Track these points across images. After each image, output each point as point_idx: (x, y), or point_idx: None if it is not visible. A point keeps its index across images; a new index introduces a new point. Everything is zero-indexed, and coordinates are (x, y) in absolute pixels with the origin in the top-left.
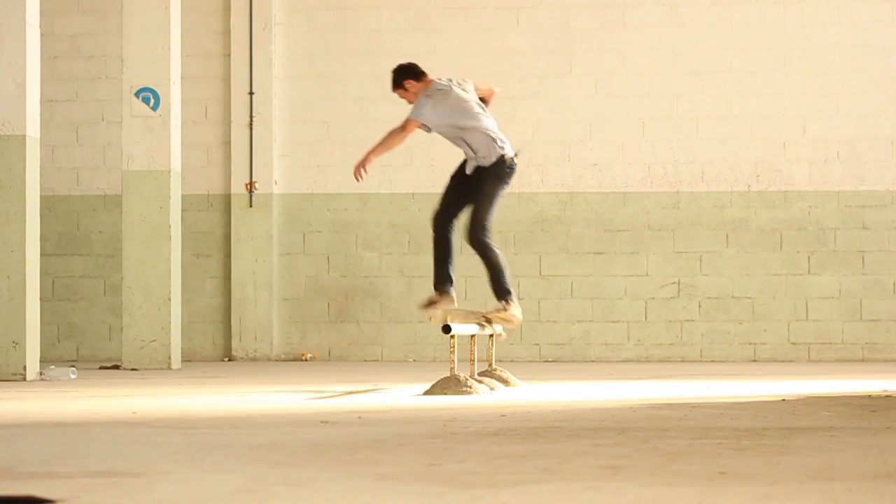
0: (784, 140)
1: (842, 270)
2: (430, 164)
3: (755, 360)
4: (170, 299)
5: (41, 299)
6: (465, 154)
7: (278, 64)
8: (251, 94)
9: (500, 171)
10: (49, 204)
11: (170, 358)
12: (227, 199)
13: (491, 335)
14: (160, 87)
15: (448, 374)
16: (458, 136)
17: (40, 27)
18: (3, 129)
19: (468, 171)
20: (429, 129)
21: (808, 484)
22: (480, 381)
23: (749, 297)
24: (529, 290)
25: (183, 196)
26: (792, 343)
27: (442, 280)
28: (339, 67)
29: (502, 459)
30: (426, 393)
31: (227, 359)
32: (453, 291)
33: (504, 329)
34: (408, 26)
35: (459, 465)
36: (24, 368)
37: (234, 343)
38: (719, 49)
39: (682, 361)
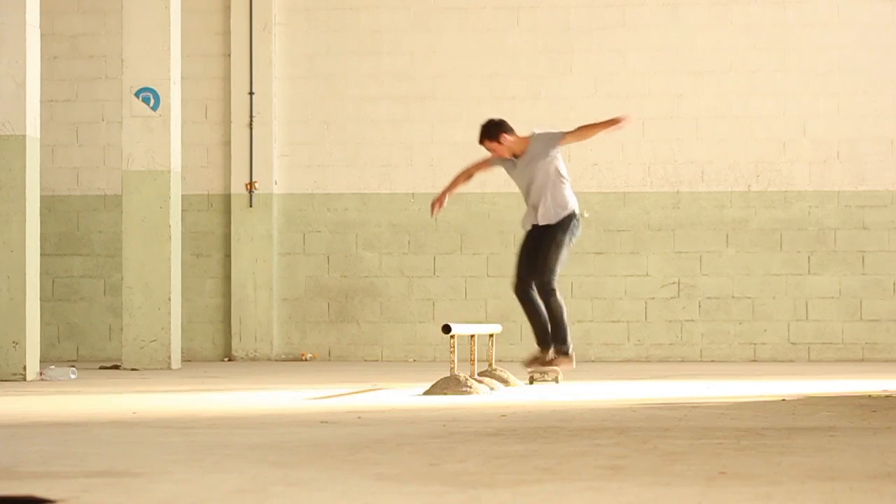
0: (784, 140)
1: (842, 270)
2: (430, 164)
3: (755, 360)
4: (170, 299)
5: (41, 299)
6: (538, 205)
7: (278, 64)
8: (251, 94)
9: (569, 224)
10: (49, 204)
11: (170, 358)
12: (227, 199)
13: (491, 335)
14: (160, 87)
15: (448, 374)
16: (550, 172)
17: (40, 27)
18: (3, 129)
19: (540, 222)
20: (513, 166)
21: (808, 484)
22: (480, 381)
23: (749, 297)
24: None
25: (183, 196)
26: (792, 343)
27: (545, 342)
28: (339, 67)
29: (502, 459)
30: (426, 393)
31: (227, 359)
32: (553, 351)
33: (550, 375)
34: (408, 26)
35: (459, 465)
36: (24, 368)
37: (234, 343)
38: (719, 49)
39: (682, 361)
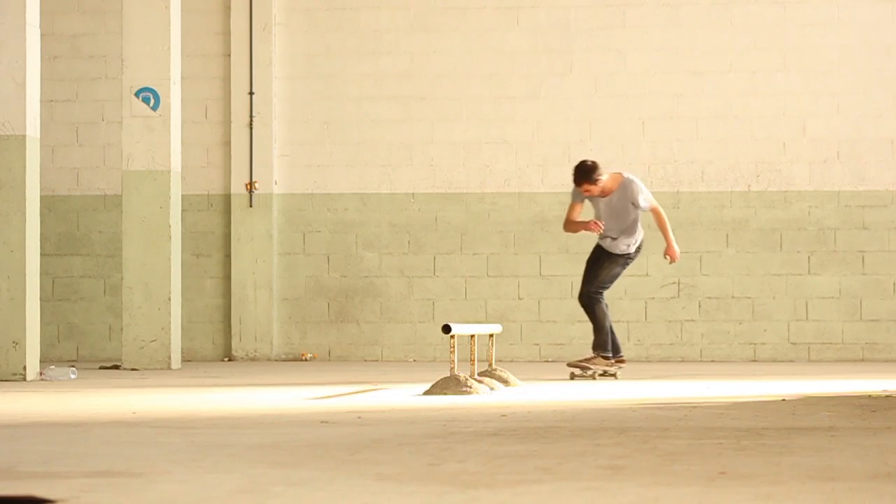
0: (784, 140)
1: (842, 270)
2: (430, 164)
3: (755, 360)
4: (170, 299)
5: (41, 299)
6: (608, 236)
7: (278, 64)
8: (251, 94)
9: (625, 259)
10: (49, 204)
11: (170, 358)
12: (227, 199)
13: (491, 335)
14: (160, 87)
15: (448, 374)
16: (627, 220)
17: (40, 27)
18: (3, 129)
19: (606, 248)
20: (598, 201)
21: (808, 484)
22: (480, 381)
23: (749, 297)
24: (529, 290)
25: (183, 196)
26: (792, 343)
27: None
28: (339, 67)
29: (502, 459)
30: (426, 393)
31: (227, 359)
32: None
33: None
34: (408, 26)
35: (459, 465)
36: (24, 368)
37: (234, 343)
38: (719, 49)
39: (682, 361)
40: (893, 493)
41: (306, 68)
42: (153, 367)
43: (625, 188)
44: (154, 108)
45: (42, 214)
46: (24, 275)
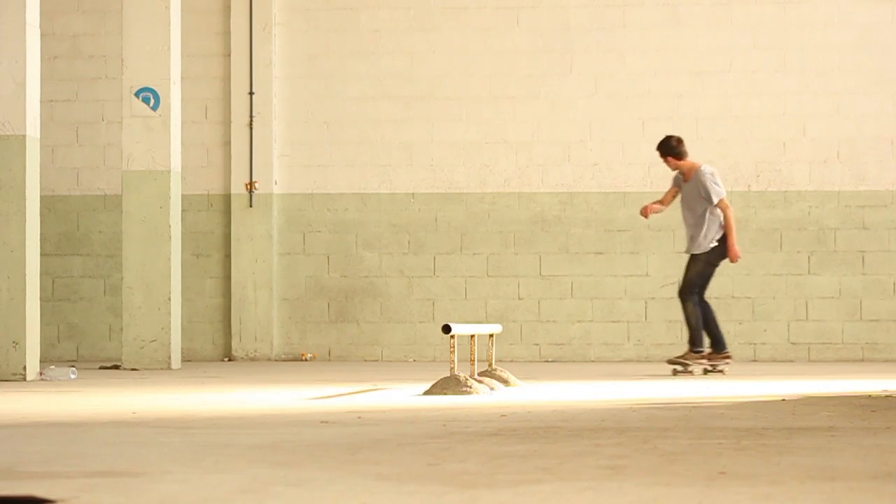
0: (784, 140)
1: (842, 270)
2: (430, 164)
3: (755, 360)
4: (170, 299)
5: (41, 299)
6: (688, 224)
7: (278, 64)
8: (251, 94)
9: (707, 257)
10: (49, 204)
11: (170, 358)
12: (227, 199)
13: (491, 335)
14: (160, 87)
15: (448, 374)
16: (697, 211)
17: (40, 27)
18: (3, 129)
19: (692, 251)
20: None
21: (808, 484)
22: (480, 381)
23: (749, 297)
24: (529, 290)
25: (183, 196)
26: (792, 343)
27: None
28: (339, 67)
29: (502, 459)
30: (426, 393)
31: (227, 359)
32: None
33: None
34: (408, 26)
35: (459, 465)
36: (24, 368)
37: (234, 343)
38: (719, 49)
39: None
40: (893, 493)
41: (306, 68)
42: (153, 367)
43: (697, 177)
44: (154, 108)
45: (42, 214)
46: (24, 275)
